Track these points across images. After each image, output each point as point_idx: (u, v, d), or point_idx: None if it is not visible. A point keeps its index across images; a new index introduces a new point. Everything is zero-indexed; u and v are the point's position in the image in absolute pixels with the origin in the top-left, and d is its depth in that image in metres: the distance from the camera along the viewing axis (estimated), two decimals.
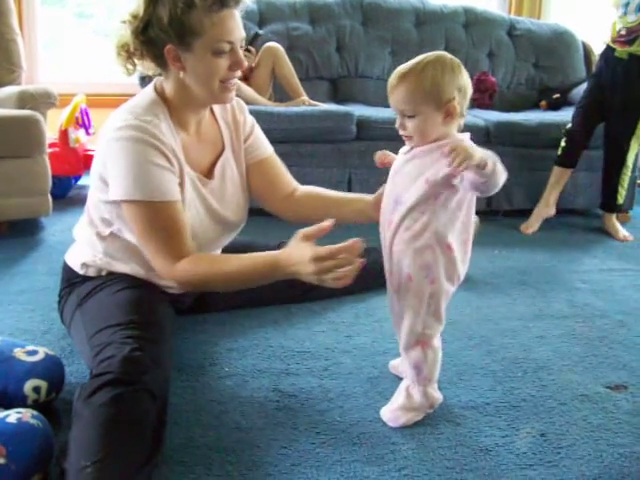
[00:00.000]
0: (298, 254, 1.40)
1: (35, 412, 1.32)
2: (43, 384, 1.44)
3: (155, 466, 1.26)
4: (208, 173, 1.72)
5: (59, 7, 4.37)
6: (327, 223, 1.40)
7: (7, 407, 1.35)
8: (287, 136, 3.02)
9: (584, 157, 3.42)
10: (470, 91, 1.45)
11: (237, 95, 3.11)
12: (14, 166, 2.72)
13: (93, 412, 1.22)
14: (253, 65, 3.41)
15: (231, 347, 1.86)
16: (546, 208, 3.27)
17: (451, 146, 1.31)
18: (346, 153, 3.19)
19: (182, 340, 1.87)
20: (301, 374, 1.72)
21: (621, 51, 3.03)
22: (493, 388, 1.69)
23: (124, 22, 1.55)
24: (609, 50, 3.12)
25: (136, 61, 1.60)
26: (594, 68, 3.30)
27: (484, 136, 3.31)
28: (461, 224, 1.47)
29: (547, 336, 2.02)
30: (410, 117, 1.42)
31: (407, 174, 1.47)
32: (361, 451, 1.41)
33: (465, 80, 1.42)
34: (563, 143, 3.21)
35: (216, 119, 1.77)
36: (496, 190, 1.42)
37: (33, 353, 1.50)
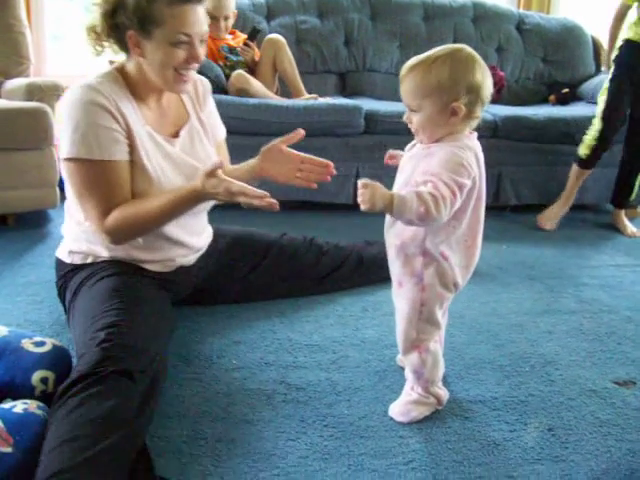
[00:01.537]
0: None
1: (41, 403, 1.32)
2: (51, 375, 1.44)
3: (134, 447, 1.24)
4: (175, 135, 1.76)
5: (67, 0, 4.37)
6: (220, 162, 1.52)
7: (15, 398, 1.36)
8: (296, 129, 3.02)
9: None
10: (487, 89, 1.38)
11: (246, 90, 3.14)
12: (22, 158, 2.72)
13: (58, 411, 1.23)
14: (256, 59, 3.39)
15: (239, 340, 1.86)
16: (565, 207, 3.21)
17: (363, 183, 1.28)
18: (354, 147, 3.18)
19: (189, 332, 1.88)
20: (309, 367, 1.72)
21: None
22: (501, 382, 1.69)
23: (96, 5, 1.61)
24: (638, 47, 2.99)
25: (104, 43, 1.65)
26: (612, 68, 3.08)
27: (492, 130, 3.29)
28: (468, 230, 1.45)
29: (555, 331, 2.01)
30: (415, 111, 1.40)
31: (404, 175, 1.46)
32: (369, 444, 1.41)
33: (479, 78, 1.35)
34: (587, 149, 3.06)
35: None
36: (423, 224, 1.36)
37: (41, 344, 1.50)
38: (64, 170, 1.63)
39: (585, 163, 3.09)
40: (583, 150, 3.08)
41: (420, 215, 1.28)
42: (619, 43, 3.08)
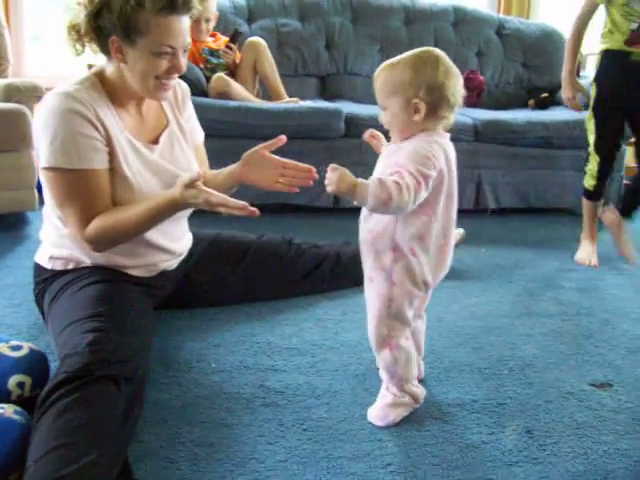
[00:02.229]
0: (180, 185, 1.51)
1: (18, 408, 1.31)
2: (27, 379, 1.43)
3: (120, 455, 1.23)
4: (154, 142, 1.75)
5: (46, 0, 4.33)
6: (200, 174, 1.52)
7: None
8: (276, 133, 2.99)
9: (571, 156, 3.45)
10: (452, 90, 1.41)
11: (227, 92, 3.13)
12: (0, 160, 2.70)
13: (41, 418, 1.22)
14: (237, 61, 3.39)
15: (218, 343, 1.85)
16: (594, 242, 2.90)
17: (332, 167, 1.36)
18: (335, 150, 3.19)
19: (169, 336, 1.87)
20: (288, 371, 1.72)
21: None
22: (479, 385, 1.70)
23: (79, 4, 1.57)
24: (620, 55, 2.59)
25: (85, 43, 1.62)
26: (594, 81, 2.70)
27: (472, 134, 3.32)
28: (440, 229, 1.47)
29: (533, 334, 2.03)
30: (384, 110, 1.47)
31: (377, 172, 1.49)
32: (347, 447, 1.41)
33: (440, 78, 1.39)
34: (592, 180, 2.76)
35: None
36: (392, 214, 1.41)
37: (18, 348, 1.49)
38: (43, 179, 1.61)
39: (593, 194, 2.81)
40: (588, 181, 2.79)
41: (382, 200, 1.32)
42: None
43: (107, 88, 1.64)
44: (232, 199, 1.46)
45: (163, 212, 1.57)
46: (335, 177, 1.34)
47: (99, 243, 1.59)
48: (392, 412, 1.51)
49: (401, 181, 1.32)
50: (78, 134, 1.54)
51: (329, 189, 1.35)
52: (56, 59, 4.18)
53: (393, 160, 1.42)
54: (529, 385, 1.71)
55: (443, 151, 1.43)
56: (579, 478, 1.35)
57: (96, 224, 1.56)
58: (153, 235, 1.70)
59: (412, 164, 1.36)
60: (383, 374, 1.56)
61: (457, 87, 1.43)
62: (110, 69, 1.64)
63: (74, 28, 1.60)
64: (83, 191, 1.57)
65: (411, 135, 1.44)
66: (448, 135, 1.48)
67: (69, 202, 1.58)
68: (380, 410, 1.53)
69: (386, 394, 1.55)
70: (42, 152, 1.57)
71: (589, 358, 1.88)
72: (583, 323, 2.14)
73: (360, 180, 1.34)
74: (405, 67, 1.41)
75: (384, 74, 1.44)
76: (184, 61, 1.61)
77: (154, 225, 1.61)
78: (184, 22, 1.57)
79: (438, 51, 1.44)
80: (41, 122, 1.57)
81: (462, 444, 1.45)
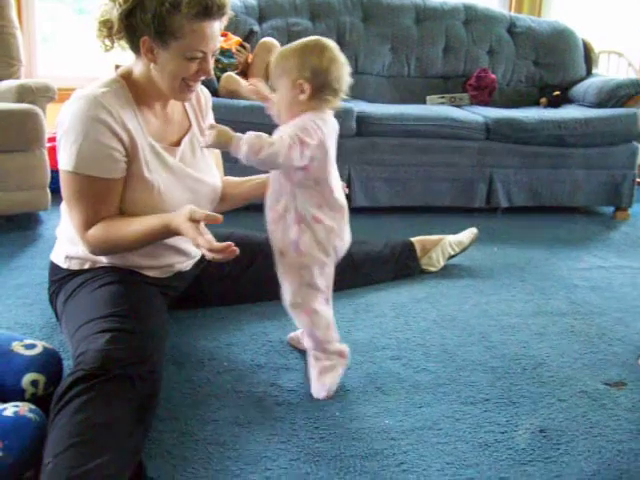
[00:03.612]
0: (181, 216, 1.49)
1: (32, 406, 1.31)
2: (41, 378, 1.44)
3: (135, 454, 1.24)
4: (176, 144, 1.75)
5: (58, 2, 4.35)
6: (219, 217, 1.48)
7: (5, 401, 1.35)
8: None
9: (584, 155, 3.43)
10: (336, 76, 1.53)
11: (237, 91, 3.13)
12: (13, 160, 2.71)
13: (59, 413, 1.22)
14: (249, 61, 3.39)
15: (230, 342, 1.85)
16: None
17: (210, 124, 1.50)
18: (346, 149, 3.17)
19: (181, 334, 1.87)
20: (300, 369, 1.72)
21: None
22: (492, 384, 1.69)
23: (113, 1, 1.56)
24: None
25: (115, 39, 1.62)
26: None
27: (484, 133, 3.31)
28: (336, 197, 1.59)
29: (546, 333, 2.02)
30: (275, 92, 1.59)
31: None
32: (360, 446, 1.41)
33: (325, 64, 1.51)
34: None
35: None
36: (274, 168, 1.54)
37: (31, 347, 1.49)
38: (60, 175, 1.62)
39: None
40: None
41: (255, 149, 1.44)
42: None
43: (134, 89, 1.64)
44: (217, 243, 1.43)
45: (155, 236, 1.58)
46: (214, 133, 1.46)
47: (95, 248, 1.62)
48: (326, 378, 1.60)
49: (276, 138, 1.47)
50: (99, 143, 1.54)
51: (205, 144, 1.49)
52: (68, 60, 4.21)
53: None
54: (542, 384, 1.70)
55: (325, 123, 1.54)
56: (593, 477, 1.35)
57: (95, 232, 1.58)
58: (178, 240, 1.70)
59: (291, 128, 1.49)
60: (308, 342, 1.64)
61: (342, 74, 1.55)
62: (138, 68, 1.63)
63: (105, 24, 1.59)
64: (93, 197, 1.58)
65: (298, 114, 1.55)
66: (332, 112, 1.59)
67: (77, 203, 1.59)
68: (316, 382, 1.60)
69: (314, 364, 1.62)
70: (62, 152, 1.58)
71: (603, 357, 1.87)
72: (596, 322, 2.12)
73: (238, 134, 1.47)
74: (294, 53, 1.54)
75: (276, 59, 1.57)
76: (212, 64, 1.62)
77: (147, 244, 1.63)
78: (216, 27, 1.57)
79: (328, 41, 1.56)
80: (66, 123, 1.57)
81: (475, 443, 1.44)
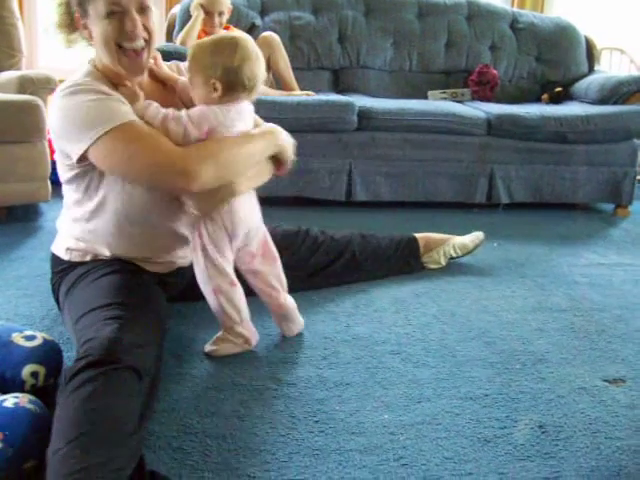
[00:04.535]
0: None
1: (33, 397, 1.31)
2: (41, 369, 1.44)
3: (139, 449, 1.22)
4: None
5: None
6: None
7: (5, 392, 1.35)
8: (288, 125, 3.00)
9: (585, 151, 3.43)
10: (245, 73, 1.56)
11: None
12: (13, 151, 2.71)
13: (69, 396, 1.20)
14: None
15: None
16: None
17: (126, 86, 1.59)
18: (347, 143, 3.18)
19: (180, 327, 1.87)
20: (300, 363, 1.72)
21: None
22: (492, 380, 1.69)
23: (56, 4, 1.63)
24: None
25: (72, 33, 1.64)
26: None
27: (485, 128, 3.30)
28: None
29: (546, 329, 2.02)
30: (193, 88, 1.62)
31: None
32: (359, 440, 1.41)
33: (236, 63, 1.54)
34: None
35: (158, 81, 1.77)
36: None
37: (31, 338, 1.50)
38: (96, 159, 1.53)
39: None
40: None
41: (138, 108, 1.55)
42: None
43: (106, 77, 1.61)
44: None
45: (263, 141, 1.66)
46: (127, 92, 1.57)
47: (209, 171, 1.52)
48: (220, 344, 1.72)
49: (165, 110, 1.56)
50: (100, 99, 1.51)
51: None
52: (69, 51, 4.20)
53: None
54: (541, 380, 1.71)
55: (227, 116, 1.58)
56: (592, 474, 1.35)
57: (192, 146, 1.54)
58: (180, 227, 1.72)
59: (187, 112, 1.56)
60: (219, 319, 1.74)
61: (254, 72, 1.59)
62: (95, 54, 1.62)
63: (60, 25, 1.64)
64: (144, 136, 1.51)
65: None
66: (247, 102, 1.65)
67: (135, 154, 1.50)
68: (212, 342, 1.73)
69: (220, 334, 1.74)
70: (81, 137, 1.51)
71: (602, 354, 1.87)
72: (596, 318, 2.12)
73: (148, 101, 1.58)
74: (207, 50, 1.57)
75: (190, 54, 1.59)
76: (144, 20, 1.55)
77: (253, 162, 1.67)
78: None
79: (242, 37, 1.59)
80: (61, 119, 1.54)
81: (474, 438, 1.44)
